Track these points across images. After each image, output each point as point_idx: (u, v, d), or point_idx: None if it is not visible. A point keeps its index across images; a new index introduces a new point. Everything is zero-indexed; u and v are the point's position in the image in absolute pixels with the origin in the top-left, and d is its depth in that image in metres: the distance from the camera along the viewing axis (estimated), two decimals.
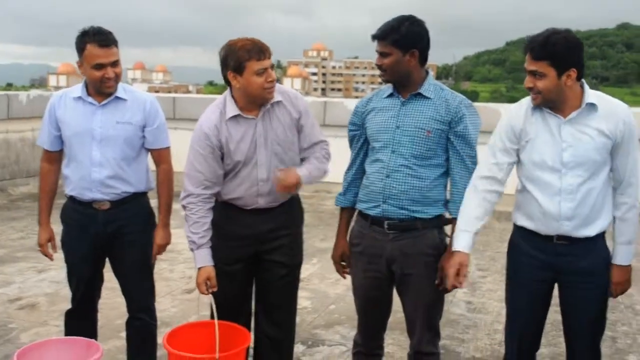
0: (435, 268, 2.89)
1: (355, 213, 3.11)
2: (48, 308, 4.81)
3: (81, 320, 3.46)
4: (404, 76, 2.89)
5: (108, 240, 3.29)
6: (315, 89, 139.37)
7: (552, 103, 2.70)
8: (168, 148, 3.39)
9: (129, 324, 3.47)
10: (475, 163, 2.91)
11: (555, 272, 2.81)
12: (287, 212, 3.18)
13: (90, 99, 3.22)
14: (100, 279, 3.48)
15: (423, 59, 2.89)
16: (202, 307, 3.36)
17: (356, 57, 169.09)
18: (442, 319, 3.10)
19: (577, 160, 2.69)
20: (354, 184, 3.10)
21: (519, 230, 2.90)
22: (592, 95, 2.70)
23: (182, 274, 5.68)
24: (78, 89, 3.26)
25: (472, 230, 2.80)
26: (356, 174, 3.10)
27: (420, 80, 2.91)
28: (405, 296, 3.00)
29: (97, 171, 3.20)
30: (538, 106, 2.74)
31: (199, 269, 3.03)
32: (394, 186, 2.88)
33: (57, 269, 5.15)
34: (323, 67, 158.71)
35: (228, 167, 3.06)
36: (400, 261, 2.92)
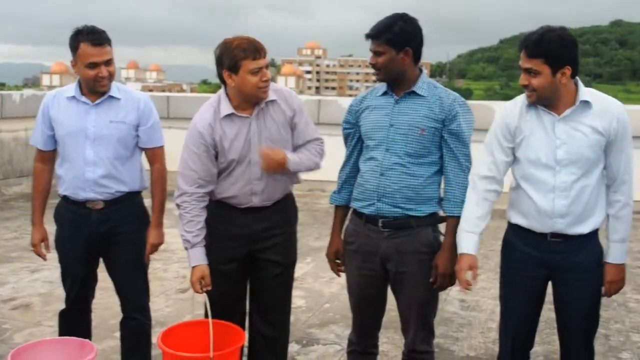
0: (430, 266, 2.89)
1: (350, 211, 3.11)
2: (42, 308, 4.79)
3: (75, 320, 3.45)
4: (398, 74, 2.88)
5: (102, 240, 3.28)
6: (310, 88, 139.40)
7: (547, 100, 2.70)
8: (162, 147, 3.38)
9: (123, 324, 3.46)
10: (469, 161, 2.91)
11: (549, 269, 2.81)
12: (281, 211, 3.17)
13: (83, 98, 3.21)
14: (94, 279, 3.46)
15: (417, 57, 2.89)
16: (197, 306, 3.36)
17: (350, 55, 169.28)
18: (436, 318, 3.10)
19: (571, 158, 2.69)
20: (348, 182, 3.10)
21: (512, 228, 2.90)
22: (586, 92, 2.70)
23: (176, 273, 5.68)
24: (71, 88, 3.25)
25: (477, 231, 2.80)
26: (350, 172, 3.09)
27: (414, 79, 2.91)
28: (400, 294, 3.00)
29: (91, 171, 3.19)
30: (533, 104, 2.74)
31: (193, 267, 3.03)
32: (388, 184, 2.88)
33: (50, 269, 5.14)
34: (317, 65, 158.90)
35: (222, 166, 3.05)
36: (395, 259, 2.92)
